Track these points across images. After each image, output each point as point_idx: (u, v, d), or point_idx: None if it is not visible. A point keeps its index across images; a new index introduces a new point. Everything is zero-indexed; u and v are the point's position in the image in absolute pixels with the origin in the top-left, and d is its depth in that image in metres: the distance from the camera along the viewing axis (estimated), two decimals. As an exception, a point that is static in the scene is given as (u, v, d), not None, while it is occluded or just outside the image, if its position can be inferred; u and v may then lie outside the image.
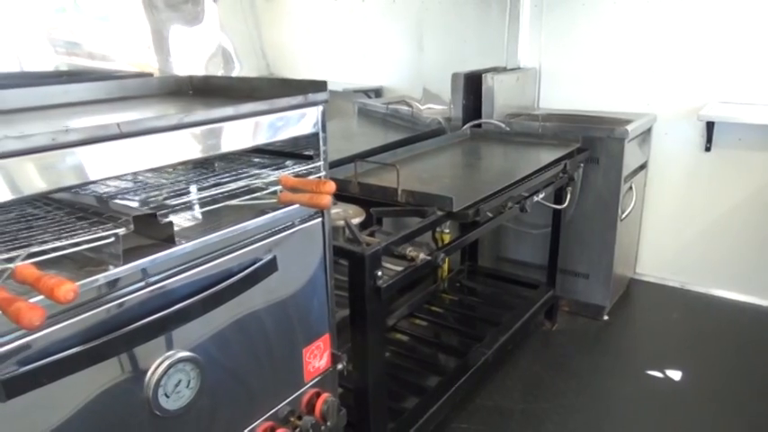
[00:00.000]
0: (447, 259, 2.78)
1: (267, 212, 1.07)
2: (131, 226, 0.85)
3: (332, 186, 0.97)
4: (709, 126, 2.80)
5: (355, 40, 2.21)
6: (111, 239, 0.83)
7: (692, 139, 2.91)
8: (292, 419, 1.24)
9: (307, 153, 1.20)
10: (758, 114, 2.59)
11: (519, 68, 3.19)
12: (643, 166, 2.93)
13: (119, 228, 0.84)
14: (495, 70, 2.95)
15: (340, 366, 1.32)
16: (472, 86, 2.84)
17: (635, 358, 2.48)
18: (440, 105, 2.77)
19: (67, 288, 0.63)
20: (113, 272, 0.83)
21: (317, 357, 1.28)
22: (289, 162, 1.18)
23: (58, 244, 0.77)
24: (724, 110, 2.70)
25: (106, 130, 0.80)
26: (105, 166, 0.82)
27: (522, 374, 2.36)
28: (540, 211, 2.55)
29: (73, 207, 0.94)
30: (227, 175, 1.07)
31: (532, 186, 2.05)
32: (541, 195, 2.15)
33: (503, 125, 2.76)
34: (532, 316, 2.50)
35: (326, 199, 0.96)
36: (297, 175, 1.13)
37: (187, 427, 1.00)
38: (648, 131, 2.91)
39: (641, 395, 2.23)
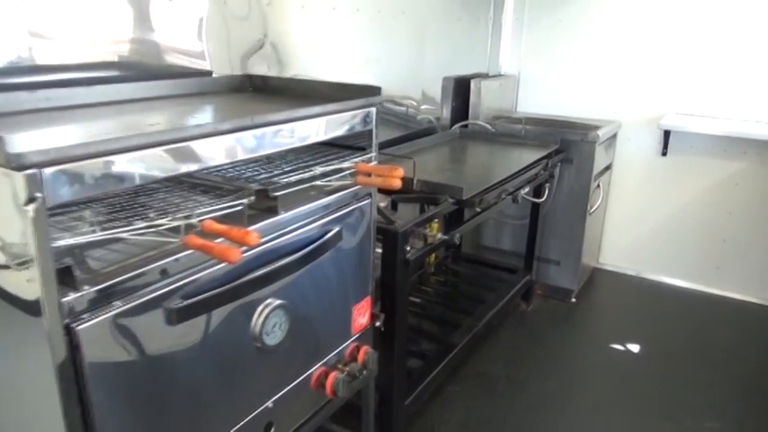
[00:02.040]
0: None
1: (338, 192, 1.33)
2: (253, 198, 1.10)
3: (401, 171, 1.23)
4: (666, 134, 3.18)
5: (356, 46, 2.40)
6: (240, 207, 1.07)
7: (650, 144, 3.29)
8: (340, 366, 1.50)
9: (360, 145, 1.46)
10: (708, 125, 2.99)
11: (501, 75, 3.51)
12: (608, 167, 3.29)
13: (245, 198, 1.09)
14: (480, 76, 3.25)
15: (378, 323, 1.59)
16: (460, 90, 3.13)
17: (599, 334, 2.84)
18: (433, 107, 3.05)
19: (254, 235, 0.87)
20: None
21: (362, 315, 1.54)
22: (346, 152, 1.44)
23: (210, 208, 1.01)
24: (680, 120, 3.08)
25: (244, 122, 1.05)
26: (240, 150, 1.06)
27: (505, 347, 2.68)
28: (519, 204, 2.86)
29: (206, 184, 1.17)
30: (308, 162, 1.32)
31: (521, 181, 2.36)
32: (526, 189, 2.47)
33: (488, 126, 3.07)
34: (513, 296, 2.82)
35: (397, 181, 1.22)
36: (337, 169, 1.39)
37: (276, 360, 1.25)
38: (614, 137, 3.28)
39: (606, 364, 2.58)
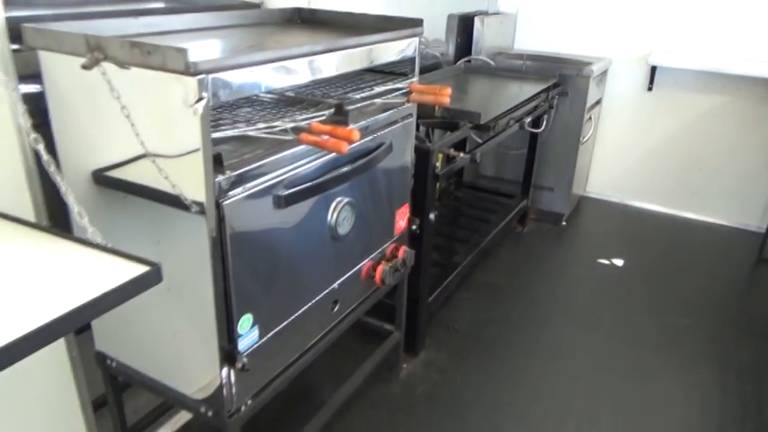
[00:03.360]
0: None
1: (390, 110, 1.56)
2: (332, 110, 1.33)
3: (449, 90, 1.47)
4: (653, 70, 3.44)
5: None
6: (324, 117, 1.31)
7: (638, 80, 3.55)
8: (383, 262, 1.78)
9: (401, 71, 1.68)
10: (691, 62, 3.24)
11: (500, 13, 3.69)
12: (599, 102, 3.55)
13: (326, 110, 1.32)
14: (482, 14, 3.43)
15: (414, 227, 1.86)
16: (463, 27, 3.32)
17: (587, 251, 3.18)
18: (437, 44, 3.24)
19: (356, 132, 1.12)
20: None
21: (402, 218, 1.81)
22: (390, 77, 1.66)
23: (308, 115, 1.24)
24: (666, 57, 3.33)
25: (335, 44, 1.26)
26: (325, 69, 1.29)
27: (504, 262, 3.00)
28: (515, 136, 3.11)
29: (292, 99, 1.40)
30: (363, 84, 1.55)
31: (526, 110, 2.60)
32: (529, 119, 2.72)
33: (490, 61, 3.28)
34: (511, 219, 3.12)
35: (447, 98, 1.46)
36: (394, 89, 1.62)
37: (342, 249, 1.52)
38: (605, 73, 3.52)
39: (593, 275, 2.92)
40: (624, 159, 3.73)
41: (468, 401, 2.05)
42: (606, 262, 3.04)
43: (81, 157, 1.23)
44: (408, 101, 1.53)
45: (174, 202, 1.13)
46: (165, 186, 1.14)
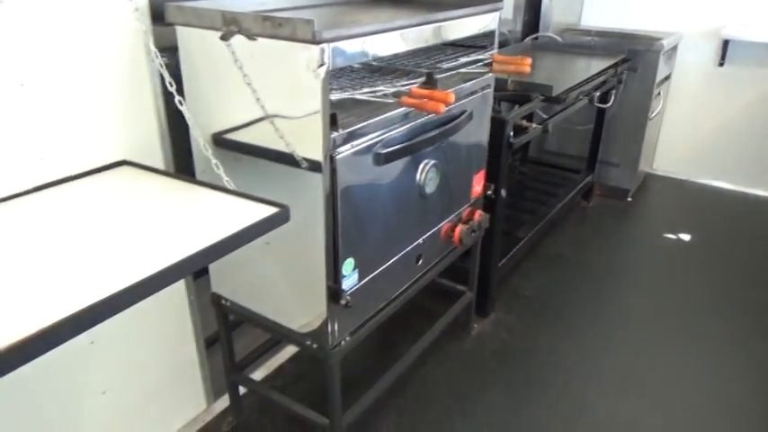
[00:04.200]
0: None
1: (472, 80, 1.69)
2: (423, 78, 1.47)
3: (530, 60, 1.58)
4: (725, 44, 3.40)
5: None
6: (415, 85, 1.45)
7: (708, 55, 3.51)
8: (460, 224, 1.91)
9: (482, 44, 1.80)
10: (764, 34, 3.19)
11: (568, -10, 3.71)
12: (668, 77, 3.54)
13: (417, 78, 1.46)
14: (549, -10, 3.47)
15: (489, 192, 1.99)
16: (530, 4, 3.37)
17: (654, 226, 3.21)
18: (505, 21, 3.31)
19: (452, 95, 1.25)
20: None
21: (478, 184, 1.94)
22: (470, 50, 1.78)
23: (402, 83, 1.38)
24: (739, 30, 3.29)
25: (429, 17, 1.40)
26: (421, 40, 1.42)
27: (570, 235, 3.08)
28: (582, 110, 3.16)
29: (386, 68, 1.54)
30: (451, 55, 1.67)
31: (594, 85, 2.66)
32: (597, 93, 2.77)
33: (558, 38, 3.33)
34: (577, 193, 3.18)
35: (528, 68, 1.57)
36: (476, 60, 1.74)
37: (427, 207, 1.66)
38: (674, 48, 3.50)
39: (660, 250, 2.96)
40: (693, 136, 3.71)
41: (538, 359, 2.17)
42: (673, 236, 3.07)
43: (204, 121, 1.42)
44: (491, 71, 1.65)
45: (287, 159, 1.31)
46: (278, 146, 1.31)
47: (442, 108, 1.23)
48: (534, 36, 3.34)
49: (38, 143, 1.25)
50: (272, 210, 1.15)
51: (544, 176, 3.47)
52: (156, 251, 1.00)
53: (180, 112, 1.46)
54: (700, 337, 2.30)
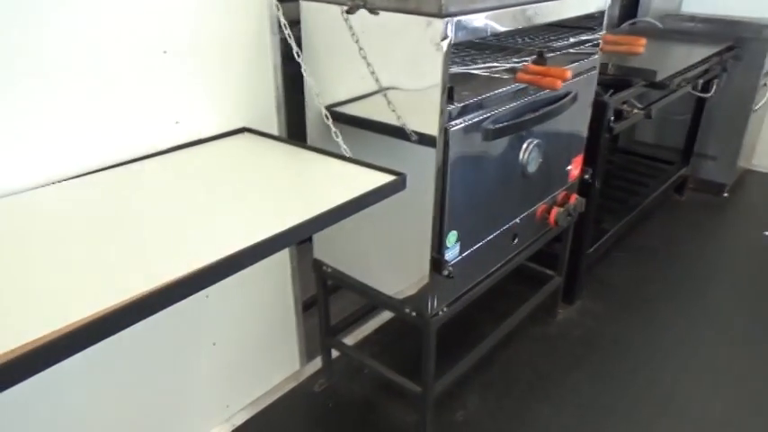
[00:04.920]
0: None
1: (578, 61, 1.68)
2: (535, 57, 1.48)
3: (644, 41, 1.55)
4: (842, 33, 3.16)
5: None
6: (528, 62, 1.46)
7: (823, 45, 3.27)
8: (555, 206, 1.90)
9: (587, 26, 1.78)
10: None
11: (669, -26, 3.56)
12: (777, 68, 3.33)
13: (528, 56, 1.47)
14: (650, -25, 3.34)
15: (587, 176, 1.97)
16: (629, -11, 3.26)
17: (752, 223, 3.06)
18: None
19: (569, 72, 1.26)
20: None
21: (576, 167, 1.92)
22: (576, 31, 1.77)
23: (519, 59, 1.40)
24: None
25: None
26: (536, 17, 1.43)
27: (661, 227, 2.98)
28: (678, 100, 3.03)
29: (498, 46, 1.56)
30: (560, 35, 1.67)
31: (698, 72, 2.56)
32: (700, 81, 2.66)
33: (657, 23, 3.21)
34: (669, 185, 3.07)
35: (641, 48, 1.55)
36: (585, 40, 1.72)
37: (526, 186, 1.68)
38: (785, 36, 3.29)
39: (759, 248, 2.82)
40: (800, 131, 3.48)
41: (625, 349, 2.14)
42: (773, 235, 2.92)
43: (318, 97, 1.49)
44: (601, 50, 1.63)
45: (397, 132, 1.36)
46: (389, 119, 1.36)
47: (559, 84, 1.24)
48: (632, 21, 3.24)
49: (174, 107, 1.36)
50: (389, 177, 1.20)
51: (634, 167, 3.36)
52: (281, 212, 1.07)
53: (292, 85, 1.55)
54: (802, 340, 2.19)
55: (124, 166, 1.27)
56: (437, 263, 1.43)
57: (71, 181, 1.19)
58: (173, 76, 1.33)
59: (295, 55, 1.31)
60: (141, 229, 1.00)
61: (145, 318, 0.80)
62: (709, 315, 2.34)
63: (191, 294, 0.87)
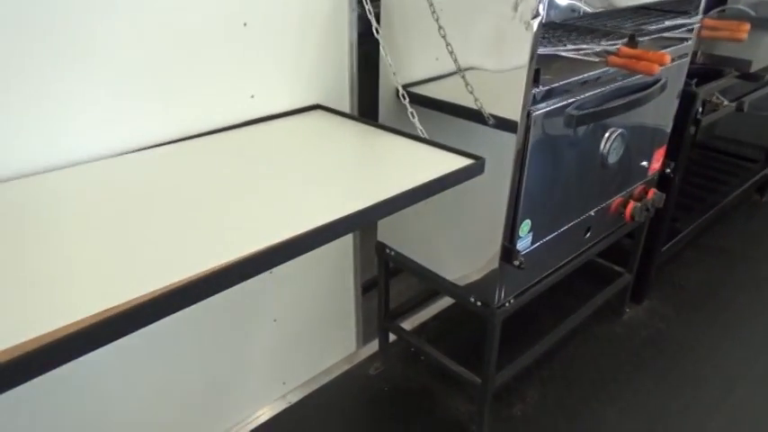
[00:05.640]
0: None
1: (670, 47, 1.57)
2: (626, 39, 1.39)
3: (748, 26, 1.43)
4: None
5: None
6: (620, 45, 1.37)
7: None
8: (632, 200, 1.81)
9: (681, 10, 1.66)
10: None
11: (767, -43, 3.30)
12: None
13: (619, 39, 1.38)
14: (746, -42, 3.10)
15: (668, 170, 1.86)
16: (720, -27, 3.04)
17: (843, 230, 2.84)
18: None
19: (668, 56, 1.17)
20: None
21: (657, 160, 1.82)
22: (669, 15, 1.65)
23: (606, 42, 1.32)
24: None
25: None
26: (626, -2, 1.34)
27: (739, 228, 2.81)
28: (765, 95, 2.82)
29: (587, 28, 1.48)
30: (652, 19, 1.56)
31: (796, 64, 2.36)
32: (797, 74, 2.46)
33: (750, 11, 2.98)
34: (752, 185, 2.88)
35: (744, 34, 1.43)
36: (681, 24, 1.61)
37: (605, 178, 1.59)
38: None
39: None
40: None
41: (697, 354, 2.03)
42: None
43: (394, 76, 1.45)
44: (701, 35, 1.52)
45: (472, 115, 1.30)
46: (465, 101, 1.31)
47: (656, 69, 1.16)
48: (721, 8, 3.02)
49: (250, 81, 1.35)
50: (467, 161, 1.16)
51: (713, 163, 3.17)
52: (353, 193, 1.04)
53: (366, 63, 1.52)
54: None
55: (199, 137, 1.27)
56: (508, 252, 1.37)
57: (147, 151, 1.20)
58: (251, 49, 1.32)
59: (374, 31, 1.28)
60: (212, 204, 0.99)
61: (213, 294, 0.79)
62: (790, 325, 2.19)
63: (256, 274, 0.84)
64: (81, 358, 0.67)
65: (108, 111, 1.14)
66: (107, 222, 0.92)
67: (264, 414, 1.76)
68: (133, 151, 1.19)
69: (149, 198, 1.00)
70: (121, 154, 1.17)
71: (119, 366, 1.34)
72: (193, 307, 1.21)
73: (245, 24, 1.29)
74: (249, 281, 1.54)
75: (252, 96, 1.37)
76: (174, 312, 0.74)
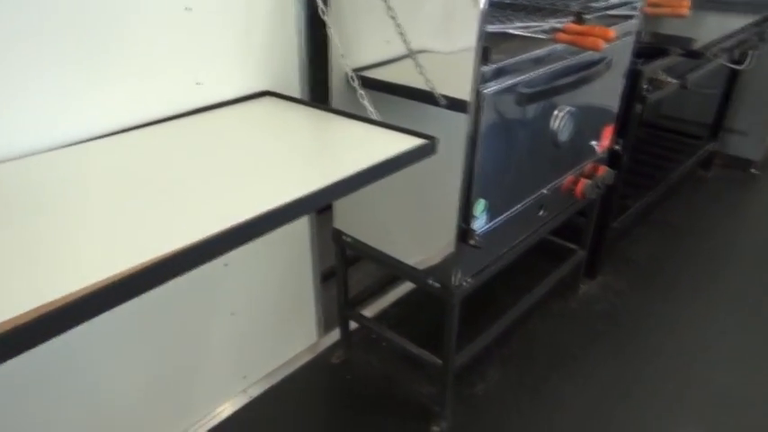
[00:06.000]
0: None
1: (615, 24, 1.60)
2: (573, 17, 1.40)
3: (688, 2, 1.47)
4: None
5: None
6: (567, 23, 1.38)
7: None
8: (583, 178, 1.84)
9: (626, -12, 1.69)
10: None
11: (704, -61, 3.40)
12: (814, 39, 3.20)
13: (565, 17, 1.39)
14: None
15: (617, 147, 1.90)
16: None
17: (781, 201, 2.97)
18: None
19: (612, 32, 1.19)
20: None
21: (606, 138, 1.85)
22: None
23: (559, 19, 1.33)
24: None
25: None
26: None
27: (685, 203, 2.91)
28: (711, 72, 2.92)
29: (533, 7, 1.49)
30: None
31: (733, 43, 2.45)
32: (736, 52, 2.55)
33: (690, -8, 3.07)
34: (696, 161, 2.99)
35: (686, 9, 1.47)
36: (626, 2, 1.64)
37: (556, 156, 1.62)
38: (825, 6, 3.15)
39: (787, 226, 2.75)
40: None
41: (648, 325, 2.09)
42: (803, 213, 2.83)
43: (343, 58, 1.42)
44: (644, 11, 1.55)
45: (424, 97, 1.30)
46: (416, 83, 1.30)
47: (602, 45, 1.17)
48: (664, -11, 3.11)
49: (196, 68, 1.31)
50: (419, 141, 1.15)
51: (660, 141, 3.27)
52: (305, 177, 1.02)
53: (315, 48, 1.49)
54: (832, 320, 2.13)
55: (142, 128, 1.22)
56: (464, 233, 1.38)
57: (86, 144, 1.15)
58: (195, 34, 1.28)
59: (320, 12, 1.25)
60: (155, 194, 0.95)
61: (159, 284, 0.75)
62: (731, 293, 2.28)
63: (205, 262, 0.81)
64: (32, 355, 0.63)
65: (37, 103, 1.08)
66: (33, 221, 0.87)
67: (226, 410, 1.73)
68: (67, 146, 1.13)
69: (86, 193, 0.96)
70: (53, 149, 1.11)
71: (70, 365, 1.29)
72: (147, 303, 1.17)
73: (187, 9, 1.24)
74: (204, 274, 1.51)
75: (198, 84, 1.33)
76: (120, 303, 0.71)
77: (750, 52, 2.79)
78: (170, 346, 1.50)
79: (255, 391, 1.79)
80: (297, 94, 1.54)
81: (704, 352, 1.98)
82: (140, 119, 1.23)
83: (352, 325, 1.95)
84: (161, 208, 0.90)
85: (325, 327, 2.00)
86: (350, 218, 1.66)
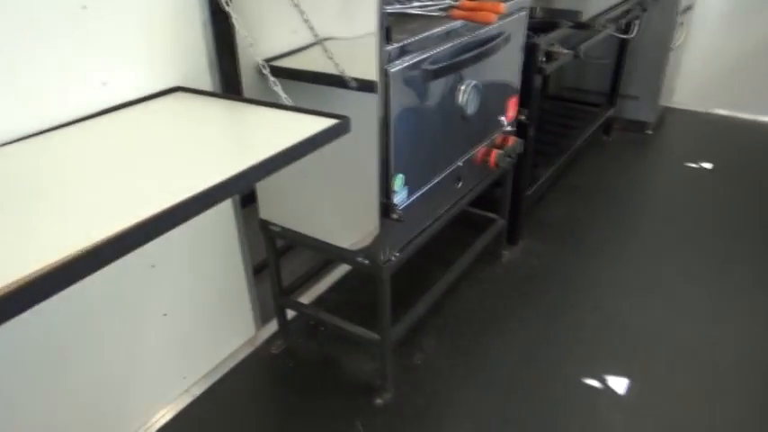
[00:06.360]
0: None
1: (508, 0, 1.70)
2: (466, -4, 1.48)
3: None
4: (749, -29, 3.34)
5: None
6: (458, 2, 1.46)
7: (731, -17, 3.46)
8: (494, 149, 1.95)
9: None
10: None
11: None
12: (690, 7, 3.49)
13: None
14: None
15: (522, 117, 2.02)
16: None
17: (675, 156, 3.24)
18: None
19: (502, 6, 1.27)
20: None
21: (512, 109, 1.97)
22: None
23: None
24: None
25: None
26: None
27: (591, 166, 3.12)
28: (599, 43, 3.13)
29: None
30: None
31: (620, 13, 2.64)
32: (623, 22, 2.75)
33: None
34: (598, 127, 3.20)
35: (568, -17, 1.58)
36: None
37: (467, 129, 1.70)
38: (697, -24, 3.44)
39: (682, 178, 3.00)
40: (713, 66, 3.69)
41: (567, 282, 2.25)
42: (695, 165, 3.10)
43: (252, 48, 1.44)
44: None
45: (335, 81, 1.34)
46: (326, 68, 1.34)
47: (493, 18, 1.26)
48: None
49: (100, 68, 1.29)
50: (333, 121, 1.19)
51: (564, 111, 3.47)
52: (221, 164, 1.03)
53: (222, 41, 1.50)
54: (722, 258, 2.37)
55: (47, 133, 1.19)
56: (386, 208, 1.44)
57: (-7, 149, 1.11)
58: (95, 33, 1.26)
59: (223, 5, 1.26)
60: (61, 196, 0.93)
61: (84, 277, 0.75)
62: (640, 241, 2.49)
63: (121, 256, 0.80)
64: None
65: (-64, 110, 1.04)
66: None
67: (168, 413, 1.72)
68: (-27, 152, 1.09)
69: None
70: (-40, 156, 1.08)
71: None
72: (70, 311, 1.15)
73: (83, 7, 1.22)
74: (132, 277, 1.48)
75: (104, 84, 1.30)
76: (44, 298, 0.71)
77: (635, 22, 3.01)
78: (100, 353, 1.48)
79: (198, 390, 1.79)
80: (209, 88, 1.54)
81: (617, 298, 2.15)
82: (42, 124, 1.20)
83: (291, 314, 1.97)
84: (65, 213, 0.88)
85: (262, 318, 2.01)
86: (275, 207, 1.68)
